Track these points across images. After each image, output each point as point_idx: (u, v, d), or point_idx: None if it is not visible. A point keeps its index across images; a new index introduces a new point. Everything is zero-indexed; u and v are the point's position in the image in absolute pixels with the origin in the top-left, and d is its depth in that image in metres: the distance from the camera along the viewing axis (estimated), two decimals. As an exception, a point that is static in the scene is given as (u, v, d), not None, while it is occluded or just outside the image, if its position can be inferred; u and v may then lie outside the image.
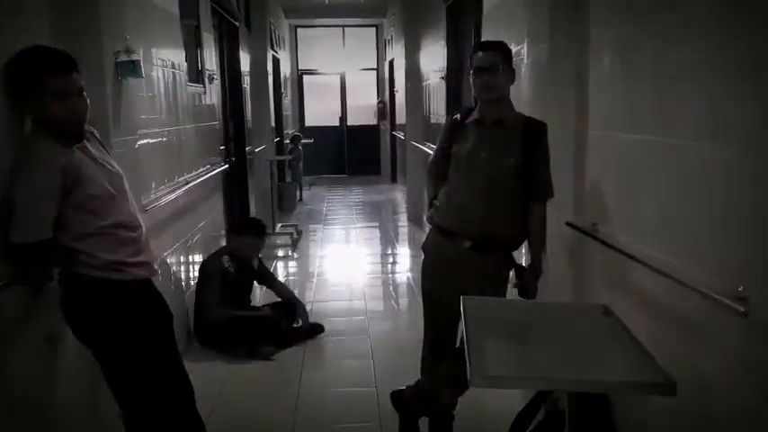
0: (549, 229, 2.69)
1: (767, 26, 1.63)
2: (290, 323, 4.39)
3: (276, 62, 9.88)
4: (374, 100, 13.52)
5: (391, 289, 5.85)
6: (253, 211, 7.23)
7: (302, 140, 10.93)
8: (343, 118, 13.71)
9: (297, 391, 3.61)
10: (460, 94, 5.84)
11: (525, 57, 3.21)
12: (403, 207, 9.55)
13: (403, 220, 8.88)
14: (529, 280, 2.71)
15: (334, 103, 13.67)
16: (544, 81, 2.96)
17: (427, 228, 2.98)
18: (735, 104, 1.75)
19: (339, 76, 13.61)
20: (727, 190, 1.78)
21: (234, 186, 6.57)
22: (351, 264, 6.59)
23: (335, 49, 13.50)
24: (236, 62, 6.69)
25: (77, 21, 2.55)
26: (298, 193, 10.60)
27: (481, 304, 2.23)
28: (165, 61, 3.75)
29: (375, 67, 13.59)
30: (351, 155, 13.68)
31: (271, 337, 4.12)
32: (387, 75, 12.53)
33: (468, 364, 1.72)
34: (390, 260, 6.96)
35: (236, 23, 6.69)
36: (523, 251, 2.97)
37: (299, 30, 13.38)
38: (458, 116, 2.80)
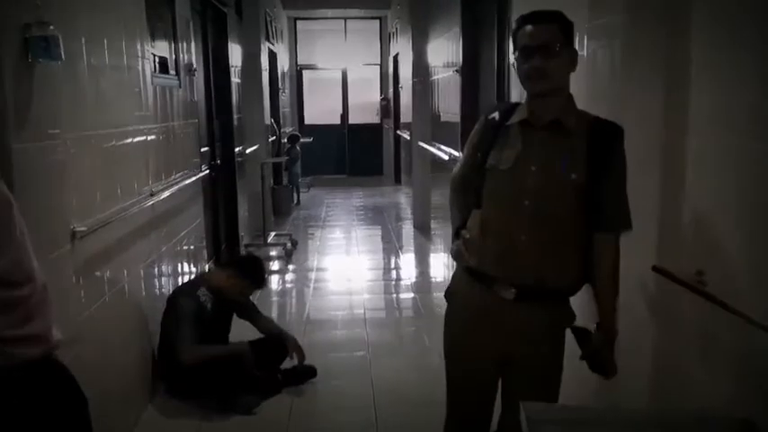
0: (623, 274, 1.95)
1: None
2: (278, 364, 3.65)
3: (273, 56, 9.16)
4: (377, 97, 12.84)
5: (396, 313, 5.11)
6: (242, 220, 6.51)
7: (301, 140, 10.20)
8: (344, 116, 13.02)
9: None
10: (477, 89, 5.09)
11: (583, 34, 2.43)
12: (408, 212, 8.81)
13: (408, 227, 8.14)
14: (601, 348, 1.97)
15: (335, 101, 12.97)
16: (614, 67, 2.20)
17: (449, 268, 2.21)
18: None
19: (340, 71, 12.91)
20: None
21: (220, 192, 5.83)
22: (350, 280, 5.84)
23: (336, 43, 12.80)
24: (223, 53, 5.95)
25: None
26: (294, 196, 9.87)
27: (553, 413, 1.48)
28: (114, 44, 3.00)
29: (378, 62, 12.89)
30: (352, 154, 12.99)
31: (251, 384, 3.37)
32: (391, 70, 11.84)
33: None
34: (394, 276, 6.21)
35: (224, 9, 5.94)
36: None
37: (298, 22, 12.67)
38: (495, 115, 2.05)
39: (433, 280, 5.94)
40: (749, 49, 1.67)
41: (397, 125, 10.94)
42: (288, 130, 10.68)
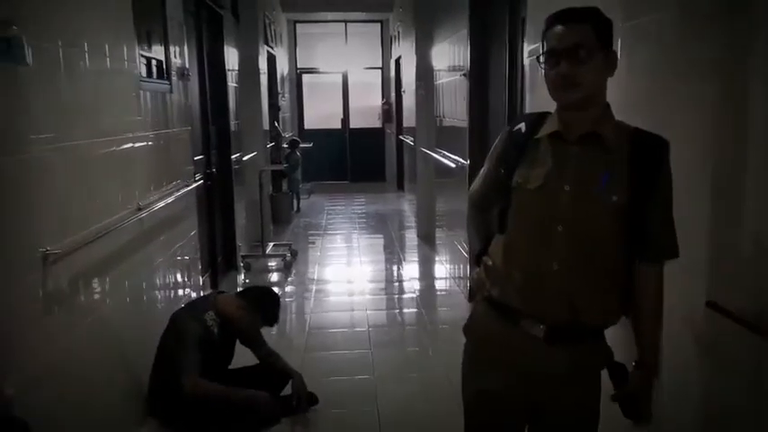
0: (669, 307, 1.69)
1: None
2: (278, 391, 3.38)
3: (272, 59, 8.92)
4: (379, 101, 12.58)
5: (401, 331, 4.84)
6: (239, 230, 6.25)
7: (300, 145, 9.94)
8: (345, 120, 12.75)
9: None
10: (487, 94, 4.84)
11: (616, 38, 2.17)
12: (412, 220, 8.55)
13: (412, 235, 7.88)
14: (639, 388, 1.71)
15: (336, 105, 12.70)
16: (653, 75, 1.94)
17: (465, 304, 1.95)
18: None
19: (341, 75, 12.64)
20: None
21: (216, 202, 5.58)
22: (352, 294, 5.58)
23: (337, 47, 12.54)
24: (219, 56, 5.70)
25: None
26: (294, 203, 9.61)
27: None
28: (96, 47, 2.75)
29: (380, 65, 12.63)
30: (353, 160, 12.72)
31: (253, 419, 3.10)
32: (393, 74, 11.58)
33: None
34: (398, 289, 5.94)
35: (220, 11, 5.70)
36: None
37: (297, 25, 12.42)
38: (522, 127, 1.79)
39: (439, 294, 5.68)
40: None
41: (399, 130, 10.70)
42: (287, 134, 10.43)
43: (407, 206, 9.66)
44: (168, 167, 3.79)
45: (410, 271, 6.40)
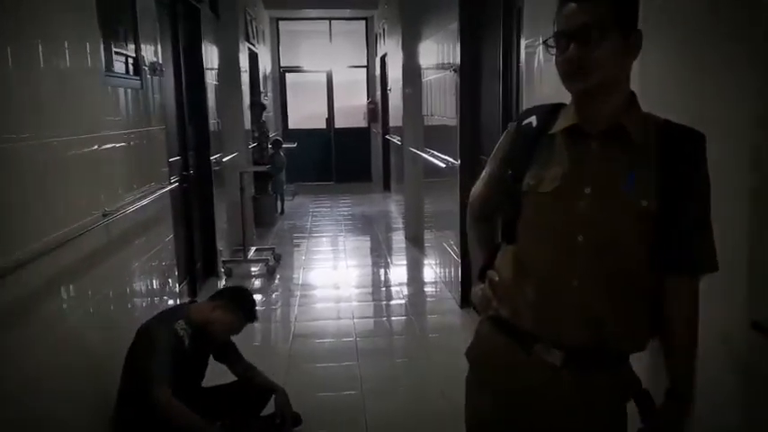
0: (705, 327, 1.46)
1: None
2: (258, 411, 3.12)
3: (254, 57, 8.65)
4: (364, 100, 12.33)
5: (390, 340, 4.59)
6: (220, 233, 5.99)
7: (284, 145, 9.67)
8: (329, 120, 12.49)
9: None
10: (479, 90, 4.62)
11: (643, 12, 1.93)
12: (399, 222, 8.32)
13: (400, 237, 7.65)
14: (671, 422, 1.48)
15: (321, 104, 12.43)
16: (680, 64, 1.71)
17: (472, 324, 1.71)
18: None
19: (325, 73, 12.38)
20: None
21: (194, 205, 5.31)
22: (338, 300, 5.33)
23: (321, 45, 12.28)
24: (197, 53, 5.44)
25: None
26: (278, 205, 9.34)
27: None
28: (52, 39, 2.49)
29: (365, 63, 12.37)
30: (339, 160, 12.46)
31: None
32: (378, 72, 11.34)
33: None
34: (386, 294, 5.69)
35: (197, 5, 5.43)
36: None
37: (281, 23, 12.15)
38: (532, 120, 1.56)
39: (429, 299, 5.44)
40: None
41: (385, 129, 10.46)
42: (271, 134, 10.15)
43: (394, 207, 9.43)
44: (140, 169, 3.53)
45: (398, 275, 6.16)
